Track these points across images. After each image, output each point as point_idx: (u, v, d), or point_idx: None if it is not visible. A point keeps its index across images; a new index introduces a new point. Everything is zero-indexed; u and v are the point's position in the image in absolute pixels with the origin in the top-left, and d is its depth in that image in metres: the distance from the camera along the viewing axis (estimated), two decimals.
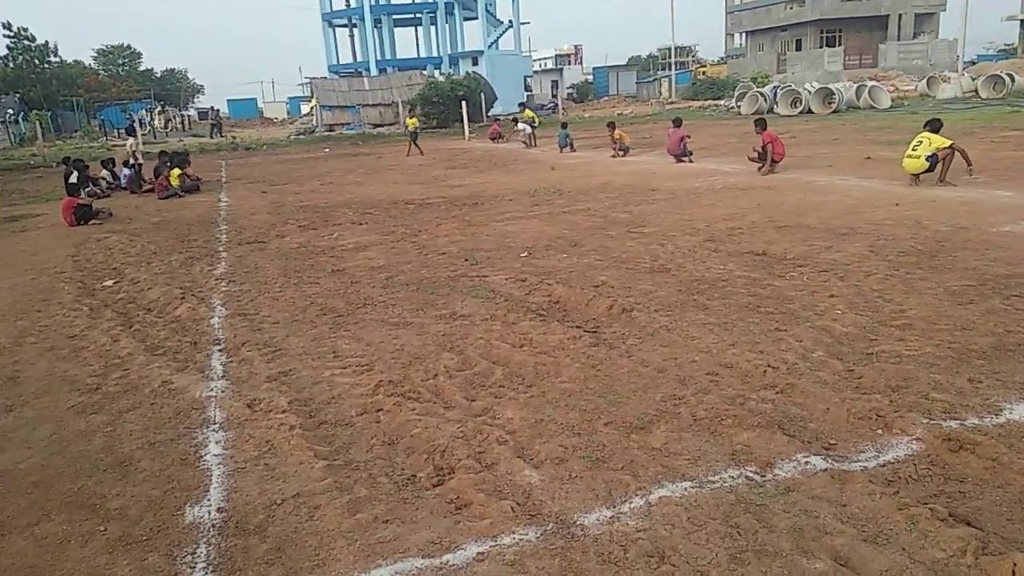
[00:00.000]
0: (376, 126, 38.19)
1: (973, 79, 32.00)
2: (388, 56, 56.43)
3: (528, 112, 26.24)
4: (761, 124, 13.47)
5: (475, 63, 50.37)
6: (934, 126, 10.62)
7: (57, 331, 6.46)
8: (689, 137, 16.08)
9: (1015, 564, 2.53)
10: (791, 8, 55.86)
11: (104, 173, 17.88)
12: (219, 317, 6.54)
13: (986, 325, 4.99)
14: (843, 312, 5.46)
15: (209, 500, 3.45)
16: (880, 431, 3.71)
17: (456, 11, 55.16)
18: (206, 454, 3.93)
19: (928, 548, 2.74)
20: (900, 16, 52.55)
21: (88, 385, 5.08)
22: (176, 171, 16.20)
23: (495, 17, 55.65)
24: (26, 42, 52.94)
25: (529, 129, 25.06)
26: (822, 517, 2.98)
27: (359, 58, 57.58)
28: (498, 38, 53.49)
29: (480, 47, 52.47)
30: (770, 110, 31.23)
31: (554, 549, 2.90)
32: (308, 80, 56.78)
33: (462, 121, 32.05)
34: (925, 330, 4.99)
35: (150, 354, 5.66)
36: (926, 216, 8.57)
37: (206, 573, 2.91)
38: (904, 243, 7.39)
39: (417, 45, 62.49)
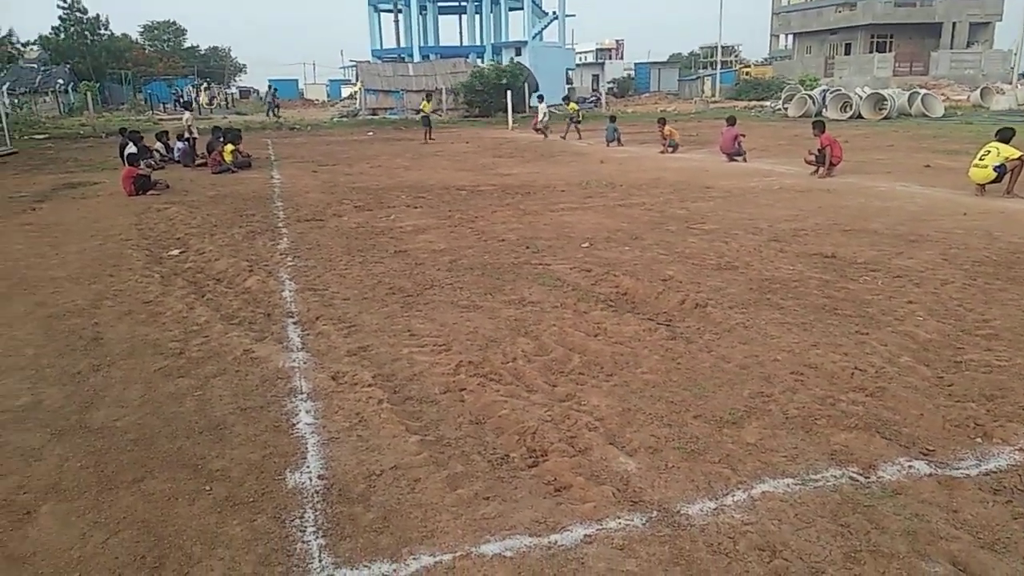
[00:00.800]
0: (419, 112, 38.23)
1: None
2: (431, 43, 56.48)
3: (572, 105, 25.92)
4: (820, 126, 13.28)
5: (518, 53, 50.17)
6: (1004, 135, 10.39)
7: (132, 296, 6.58)
8: (744, 136, 15.91)
9: None
10: (841, 12, 54.95)
11: (158, 146, 18.13)
12: (289, 291, 6.62)
13: None
14: (924, 319, 5.38)
15: (308, 467, 3.50)
16: (980, 440, 3.65)
17: (502, 0, 55.02)
18: (298, 422, 3.99)
19: None
20: (954, 24, 51.47)
21: (171, 350, 5.17)
22: (229, 147, 16.39)
23: (540, 8, 55.39)
24: (78, 14, 53.88)
25: (546, 116, 24.97)
26: (934, 522, 2.94)
27: (402, 43, 57.66)
28: (542, 29, 53.23)
29: (523, 37, 52.27)
30: (818, 113, 30.74)
31: (662, 536, 2.90)
32: (353, 63, 57.06)
33: (505, 110, 32.00)
34: (1012, 341, 4.90)
35: (227, 323, 5.74)
36: (996, 227, 8.40)
37: (316, 538, 2.95)
38: (978, 253, 7.25)
39: (460, 33, 62.49)
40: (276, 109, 40.84)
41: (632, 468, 3.41)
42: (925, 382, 4.31)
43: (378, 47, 57.23)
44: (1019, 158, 10.07)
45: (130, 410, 4.20)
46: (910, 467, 3.37)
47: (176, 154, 17.96)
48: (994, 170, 10.20)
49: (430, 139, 23.66)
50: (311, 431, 3.88)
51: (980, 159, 10.44)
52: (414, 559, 2.79)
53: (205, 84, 55.57)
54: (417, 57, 51.32)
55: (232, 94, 67.53)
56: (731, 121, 16.12)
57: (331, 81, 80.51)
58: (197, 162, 17.27)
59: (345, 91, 65.39)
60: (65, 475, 3.49)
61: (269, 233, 9.36)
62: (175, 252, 8.33)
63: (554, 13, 53.72)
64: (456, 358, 4.81)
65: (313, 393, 4.36)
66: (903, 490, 3.17)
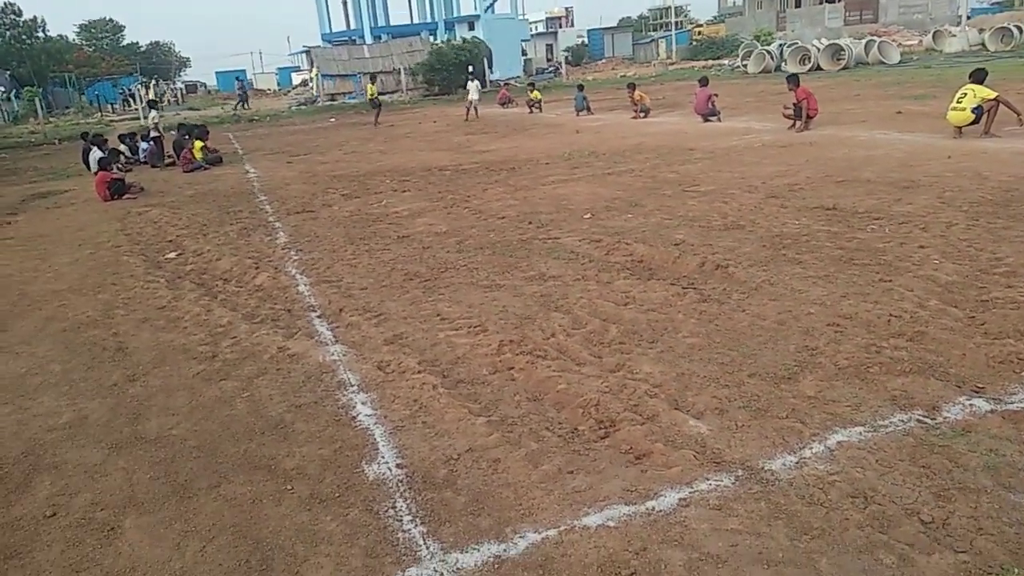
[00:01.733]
0: (379, 94, 37.72)
1: (980, 32, 31.82)
2: (382, 23, 55.62)
3: (536, 93, 25.17)
4: (794, 80, 13.41)
5: (471, 28, 49.68)
6: (978, 77, 10.57)
7: (143, 303, 6.46)
8: (716, 96, 15.99)
9: None
10: None
11: (122, 148, 17.66)
12: (304, 285, 6.55)
13: None
14: (940, 262, 5.51)
15: (383, 458, 3.50)
16: None
17: None
18: (358, 415, 3.98)
19: None
20: None
21: (202, 354, 5.10)
22: (199, 144, 16.02)
23: None
24: (13, 17, 51.94)
25: (477, 97, 23.94)
26: (1010, 455, 3.06)
27: (353, 25, 56.70)
28: (494, 2, 52.67)
29: (475, 11, 51.68)
30: (778, 68, 31.04)
31: (755, 493, 2.97)
32: (305, 49, 55.96)
33: (466, 87, 31.67)
34: None
35: (250, 322, 5.68)
36: (983, 168, 8.60)
37: (415, 525, 2.97)
38: (973, 194, 7.43)
39: (411, 11, 61.55)
40: (246, 101, 40.18)
41: (704, 430, 3.48)
42: (959, 323, 4.44)
43: (328, 31, 56.20)
44: (995, 98, 10.29)
45: (182, 417, 4.15)
46: (971, 405, 3.48)
47: (142, 155, 17.53)
48: (972, 112, 10.40)
49: (378, 122, 23.46)
50: (374, 422, 3.88)
51: (958, 102, 10.63)
52: (520, 537, 2.83)
53: (154, 81, 54.04)
54: (369, 38, 50.51)
55: (180, 89, 65.91)
56: (704, 82, 16.18)
57: (280, 69, 78.95)
58: (166, 162, 16.87)
59: (296, 78, 64.14)
60: (137, 488, 3.45)
61: (263, 228, 9.23)
62: (172, 255, 8.18)
63: None
64: (496, 338, 4.82)
65: (364, 384, 4.35)
66: (972, 428, 3.28)
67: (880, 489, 2.92)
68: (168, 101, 51.99)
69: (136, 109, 40.11)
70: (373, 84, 26.46)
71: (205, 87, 79.71)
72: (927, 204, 7.22)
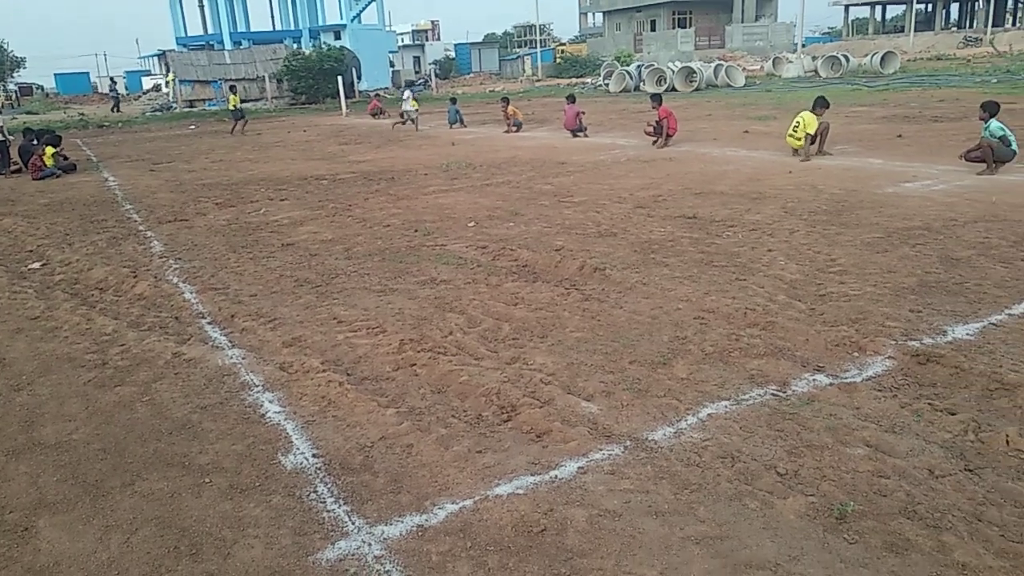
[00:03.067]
0: (242, 101, 36.51)
1: (813, 59, 35.05)
2: (242, 29, 53.87)
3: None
4: (657, 100, 14.39)
5: (337, 37, 49.06)
6: (818, 103, 11.71)
7: (13, 313, 6.19)
8: (584, 113, 16.84)
9: (1007, 436, 3.31)
10: None
11: None
12: (190, 293, 6.48)
13: (906, 268, 5.95)
14: (785, 263, 6.27)
15: (299, 449, 3.67)
16: (856, 354, 4.45)
17: None
18: (267, 412, 4.10)
19: (937, 432, 3.48)
20: (744, 0, 56.22)
21: (90, 361, 5.01)
22: (50, 149, 15.09)
23: None
24: None
25: (409, 107, 23.87)
26: (845, 418, 3.65)
27: (210, 30, 54.53)
28: (361, 11, 52.28)
29: (342, 20, 51.12)
30: (636, 87, 32.82)
31: (642, 459, 3.39)
32: (159, 52, 53.25)
33: (337, 96, 31.39)
34: (859, 275, 5.87)
35: (137, 330, 5.60)
36: (819, 182, 9.70)
37: (339, 505, 3.17)
38: (810, 204, 8.40)
39: (272, 17, 60.05)
40: (118, 105, 37.90)
41: (595, 410, 3.89)
42: (802, 314, 5.12)
43: (183, 35, 53.82)
44: (816, 129, 11.53)
45: (80, 423, 4.11)
46: (814, 380, 4.09)
47: None
48: (805, 137, 11.64)
49: (243, 132, 23.18)
50: (284, 418, 4.02)
51: (793, 130, 11.82)
52: (439, 508, 3.10)
53: None
54: (228, 44, 48.84)
55: (14, 91, 60.81)
56: (571, 99, 17.00)
57: (128, 73, 74.59)
58: (12, 169, 15.73)
59: (147, 83, 60.87)
60: (45, 490, 3.43)
61: (134, 237, 8.94)
62: (36, 265, 7.80)
63: None
64: (396, 338, 5.05)
65: (268, 384, 4.46)
66: (815, 398, 3.88)
67: (744, 450, 3.42)
68: (1, 104, 47.89)
69: None
70: (235, 95, 25.58)
71: (43, 89, 73.78)
72: (773, 213, 8.10)
